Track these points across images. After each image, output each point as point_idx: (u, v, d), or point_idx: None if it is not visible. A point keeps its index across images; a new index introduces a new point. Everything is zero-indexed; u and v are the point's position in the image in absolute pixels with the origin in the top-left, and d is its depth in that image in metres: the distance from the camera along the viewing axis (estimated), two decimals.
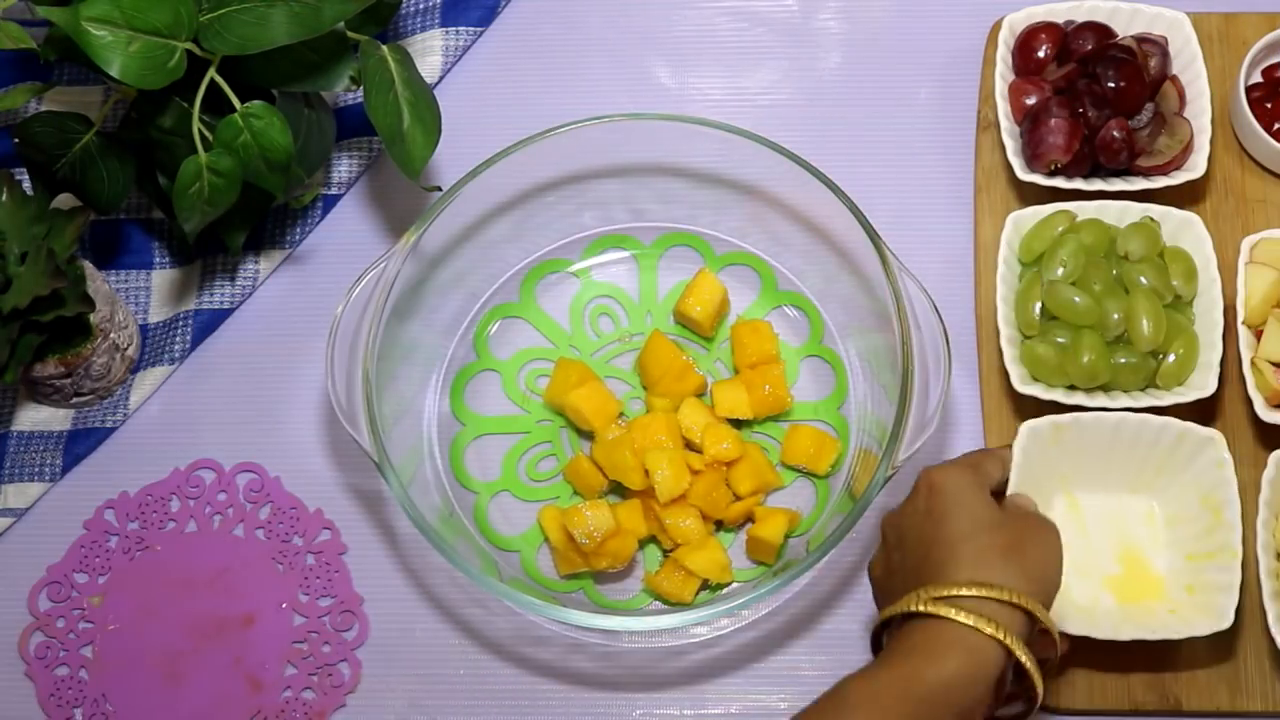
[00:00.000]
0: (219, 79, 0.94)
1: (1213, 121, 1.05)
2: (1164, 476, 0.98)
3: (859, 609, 1.01)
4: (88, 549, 1.03)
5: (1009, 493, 0.90)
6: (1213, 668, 0.97)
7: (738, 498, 1.00)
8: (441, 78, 1.14)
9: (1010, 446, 0.93)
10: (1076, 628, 0.91)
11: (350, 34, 0.99)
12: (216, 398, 1.07)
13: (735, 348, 1.04)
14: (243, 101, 0.94)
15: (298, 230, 1.11)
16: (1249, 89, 1.08)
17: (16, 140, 0.99)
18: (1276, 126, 1.07)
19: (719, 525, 1.01)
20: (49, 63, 1.05)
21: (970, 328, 1.06)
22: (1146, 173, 1.06)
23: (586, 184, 1.07)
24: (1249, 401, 0.98)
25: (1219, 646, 0.96)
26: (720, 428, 1.01)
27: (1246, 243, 1.01)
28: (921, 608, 0.78)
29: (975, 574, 0.78)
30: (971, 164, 1.10)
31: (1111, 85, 1.05)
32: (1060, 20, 1.10)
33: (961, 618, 0.76)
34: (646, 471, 0.98)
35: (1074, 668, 0.96)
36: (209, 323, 1.08)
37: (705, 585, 0.99)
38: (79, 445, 1.05)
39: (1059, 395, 0.98)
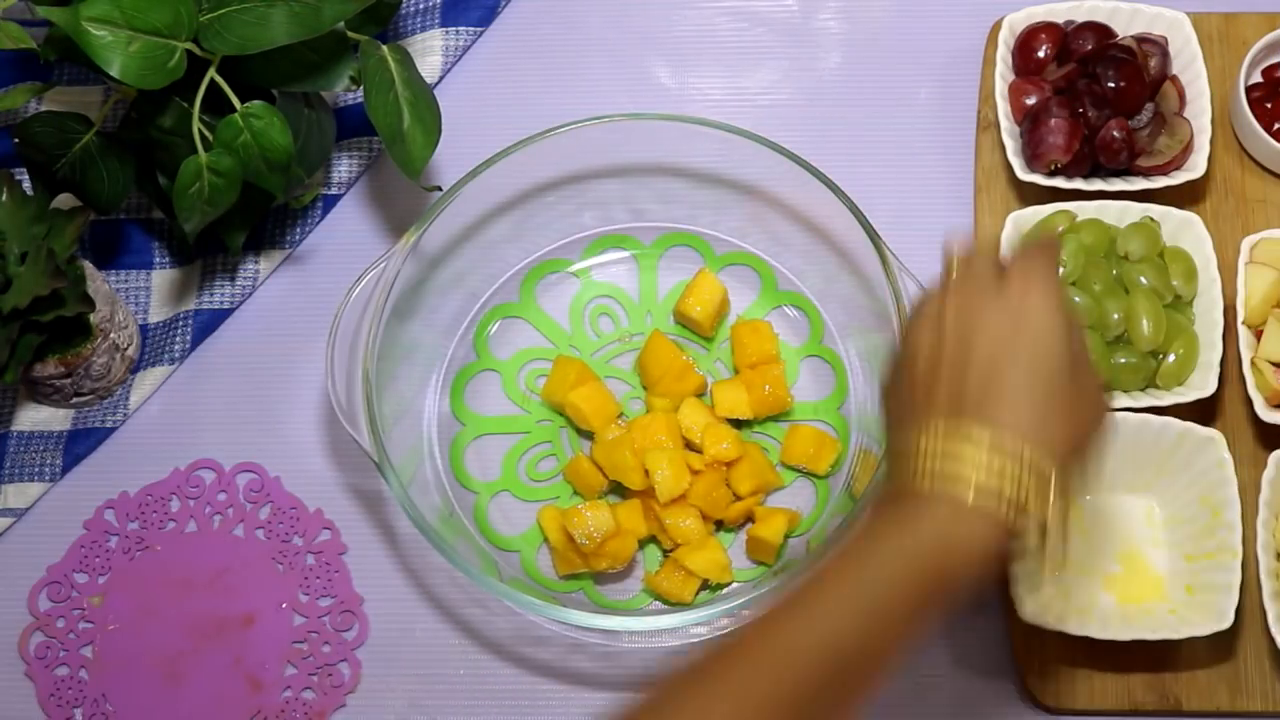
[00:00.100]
0: (219, 79, 0.94)
1: (1213, 121, 1.05)
2: (1164, 476, 0.98)
3: None
4: (88, 549, 1.03)
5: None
6: (1213, 668, 0.96)
7: (738, 498, 1.00)
8: (441, 78, 1.14)
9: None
10: (1076, 628, 0.91)
11: (350, 34, 0.99)
12: (216, 398, 1.07)
13: (735, 348, 1.04)
14: (243, 101, 0.94)
15: (298, 230, 1.11)
16: (1249, 89, 1.08)
17: (16, 140, 0.99)
18: (1276, 126, 1.07)
19: (719, 525, 1.01)
20: (49, 63, 1.04)
21: None
22: (1146, 173, 1.05)
23: (586, 184, 1.07)
24: (1249, 401, 0.98)
25: (1219, 646, 0.96)
26: (720, 428, 1.01)
27: (1246, 243, 1.01)
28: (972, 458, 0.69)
29: (1029, 432, 0.70)
30: (971, 164, 1.10)
31: (1111, 85, 1.05)
32: (1060, 20, 1.10)
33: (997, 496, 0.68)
34: (646, 471, 0.98)
35: (1074, 668, 0.96)
36: (209, 323, 1.08)
37: (705, 585, 0.99)
38: (79, 445, 1.05)
39: None
